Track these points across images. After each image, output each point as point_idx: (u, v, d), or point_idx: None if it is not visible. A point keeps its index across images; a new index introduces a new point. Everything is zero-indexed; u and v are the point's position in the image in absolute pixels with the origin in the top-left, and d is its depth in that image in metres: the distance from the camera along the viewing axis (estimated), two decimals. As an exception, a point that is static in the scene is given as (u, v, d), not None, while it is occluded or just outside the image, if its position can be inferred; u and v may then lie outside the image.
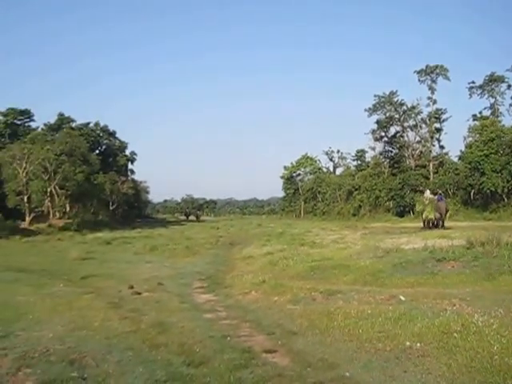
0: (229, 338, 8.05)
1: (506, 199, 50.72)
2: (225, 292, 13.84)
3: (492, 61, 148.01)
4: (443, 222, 30.60)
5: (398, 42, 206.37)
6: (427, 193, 34.02)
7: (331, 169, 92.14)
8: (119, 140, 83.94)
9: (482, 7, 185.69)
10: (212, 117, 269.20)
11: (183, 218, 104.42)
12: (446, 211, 31.54)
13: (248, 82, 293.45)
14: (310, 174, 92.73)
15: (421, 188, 56.37)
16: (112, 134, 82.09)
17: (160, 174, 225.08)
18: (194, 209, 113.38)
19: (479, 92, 66.73)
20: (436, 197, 32.10)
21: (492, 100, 66.43)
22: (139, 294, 13.31)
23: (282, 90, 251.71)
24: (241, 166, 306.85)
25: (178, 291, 14.02)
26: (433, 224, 30.58)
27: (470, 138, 58.01)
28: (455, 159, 65.12)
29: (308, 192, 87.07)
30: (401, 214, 59.52)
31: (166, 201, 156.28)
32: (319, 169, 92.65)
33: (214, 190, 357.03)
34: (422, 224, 32.52)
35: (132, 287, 14.06)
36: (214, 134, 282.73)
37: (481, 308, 7.94)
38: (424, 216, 31.30)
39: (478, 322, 7.02)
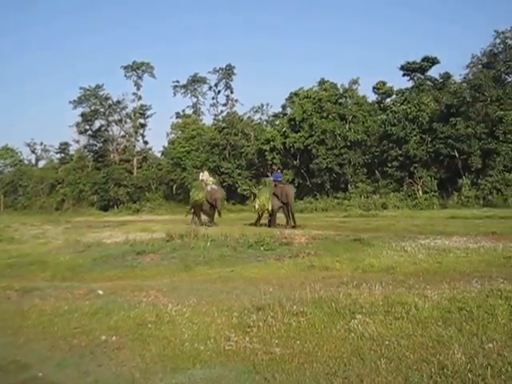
0: None
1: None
2: None
3: (195, 62, 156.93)
4: (293, 215, 20.65)
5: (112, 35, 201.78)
6: (204, 175, 24.97)
7: (33, 161, 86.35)
8: None
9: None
10: None
11: None
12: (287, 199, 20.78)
13: None
14: (11, 166, 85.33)
15: (124, 182, 57.20)
16: None
17: None
18: None
19: (183, 91, 70.26)
20: (272, 176, 22.37)
21: (194, 99, 70.71)
22: None
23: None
24: None
25: None
26: (269, 218, 21.11)
27: (173, 135, 61.51)
28: (158, 154, 67.73)
29: (8, 185, 79.75)
30: (105, 208, 59.32)
31: None
32: (20, 161, 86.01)
33: None
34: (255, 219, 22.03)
35: None
36: None
37: (176, 298, 8.27)
38: (257, 206, 21.27)
39: (171, 311, 7.25)
